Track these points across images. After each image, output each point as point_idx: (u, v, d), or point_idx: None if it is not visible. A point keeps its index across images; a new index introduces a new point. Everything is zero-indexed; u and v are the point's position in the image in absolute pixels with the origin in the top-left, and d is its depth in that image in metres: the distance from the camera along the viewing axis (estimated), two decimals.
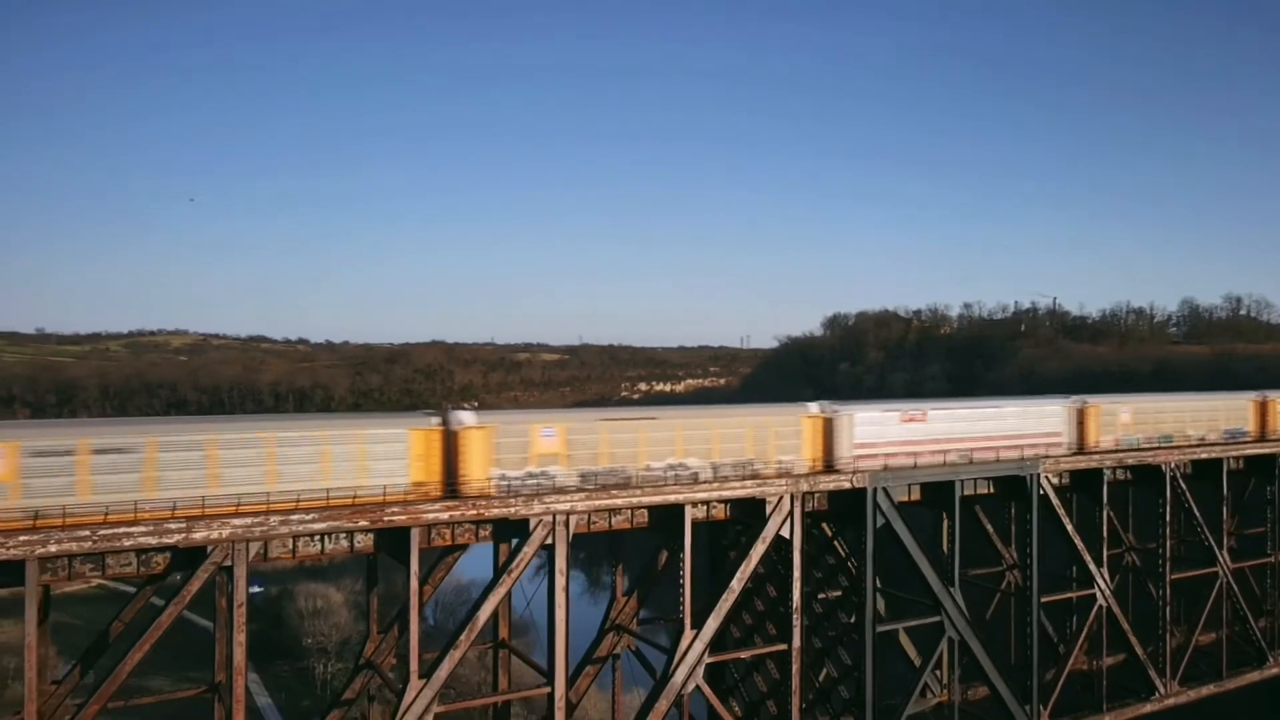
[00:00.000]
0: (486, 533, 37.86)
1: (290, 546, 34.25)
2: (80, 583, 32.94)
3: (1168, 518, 55.89)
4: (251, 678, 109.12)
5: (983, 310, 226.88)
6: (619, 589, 46.05)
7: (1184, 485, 56.64)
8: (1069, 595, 53.85)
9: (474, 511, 36.10)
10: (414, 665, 35.27)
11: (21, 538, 28.90)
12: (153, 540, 30.77)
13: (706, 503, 41.83)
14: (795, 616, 43.22)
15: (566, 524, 37.71)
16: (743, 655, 45.93)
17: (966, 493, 50.00)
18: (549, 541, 37.43)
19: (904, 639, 51.51)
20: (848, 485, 44.59)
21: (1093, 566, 52.77)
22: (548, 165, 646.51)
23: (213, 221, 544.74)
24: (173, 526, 30.98)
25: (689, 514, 40.55)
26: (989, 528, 56.40)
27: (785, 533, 42.88)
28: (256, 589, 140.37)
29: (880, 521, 45.26)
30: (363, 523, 34.17)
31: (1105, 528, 53.54)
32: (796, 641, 43.18)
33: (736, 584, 42.03)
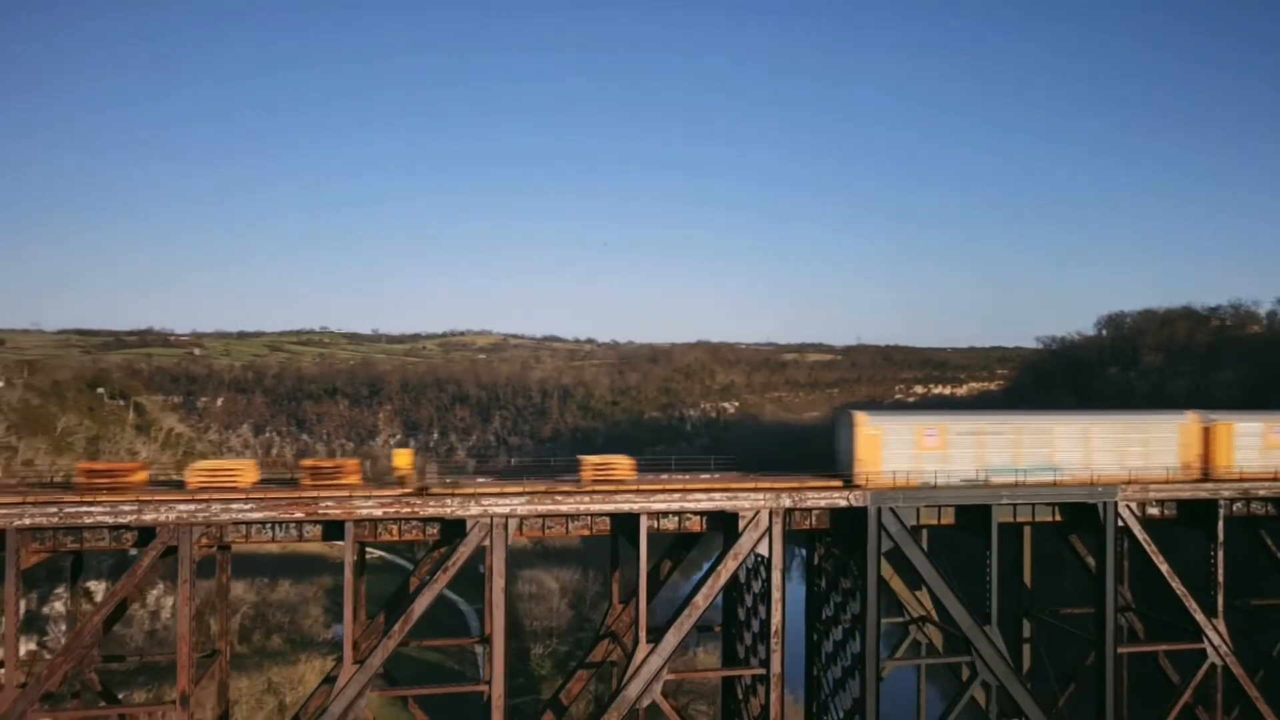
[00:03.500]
0: (434, 531, 39.27)
1: (244, 533, 37.86)
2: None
3: None
4: (480, 651, 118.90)
5: None
6: (615, 596, 45.55)
7: None
8: (1160, 647, 45.20)
9: (408, 509, 37.74)
10: (348, 653, 37.63)
11: (3, 510, 34.72)
12: (109, 519, 35.58)
13: (668, 513, 40.26)
14: (774, 640, 40.35)
15: (505, 527, 38.21)
16: (710, 674, 43.67)
17: (1021, 519, 43.89)
18: (486, 544, 38.16)
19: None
20: (843, 503, 40.92)
21: (1200, 616, 43.88)
22: (822, 165, 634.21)
23: (515, 227, 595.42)
24: (126, 508, 35.60)
25: (644, 524, 39.37)
26: (1090, 562, 48.66)
27: (763, 550, 40.22)
28: None
29: (887, 545, 41.04)
30: (298, 514, 37.01)
31: (1221, 571, 44.29)
32: (776, 667, 40.31)
33: (702, 600, 40.15)
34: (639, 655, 39.52)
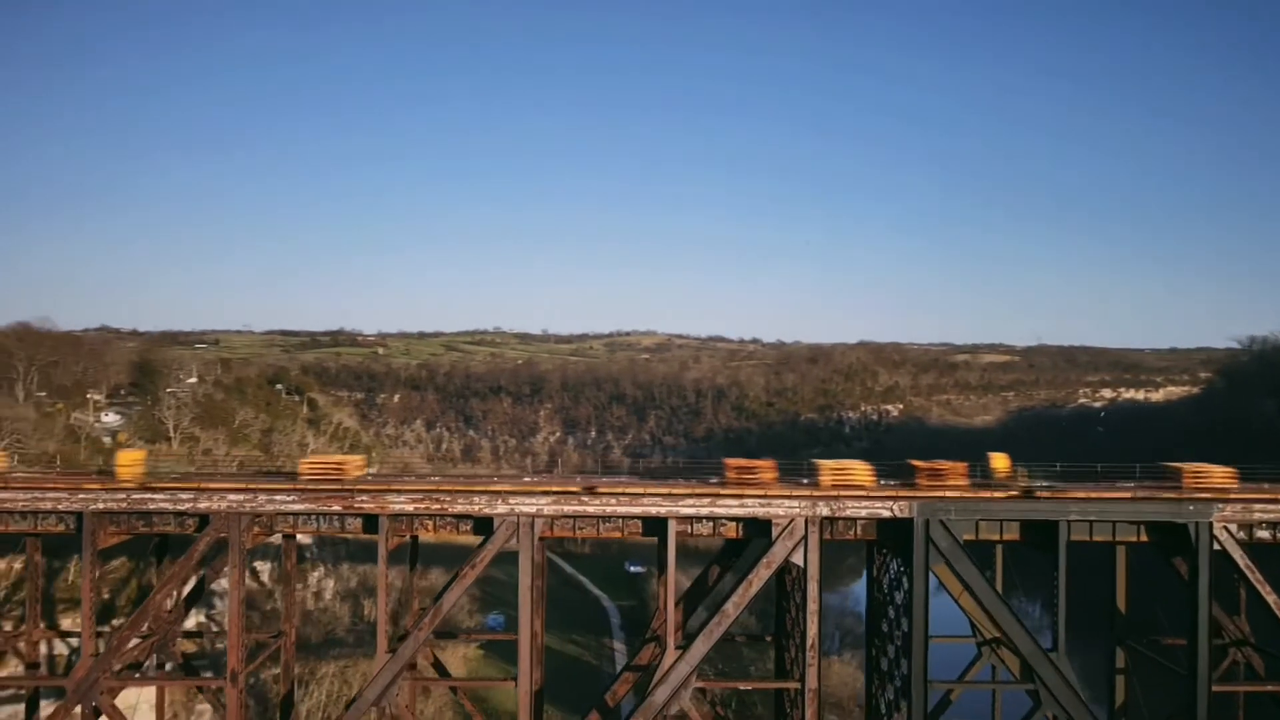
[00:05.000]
0: (468, 528, 40.11)
1: (292, 523, 40.03)
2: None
3: None
4: (618, 648, 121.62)
5: None
6: (663, 600, 44.89)
7: None
8: (1264, 687, 39.86)
9: (438, 506, 38.78)
10: (382, 644, 39.05)
11: (81, 495, 38.40)
12: (169, 506, 38.60)
13: (699, 518, 39.27)
14: (810, 654, 38.68)
15: (532, 526, 38.55)
16: (740, 685, 42.18)
17: (1098, 538, 39.98)
18: (512, 542, 38.64)
19: None
20: (887, 514, 38.68)
21: None
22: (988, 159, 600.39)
23: (678, 226, 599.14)
24: (184, 496, 38.54)
25: (672, 528, 38.75)
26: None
27: (798, 559, 38.63)
28: (640, 569, 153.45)
29: (936, 560, 38.46)
30: (336, 507, 38.79)
31: None
32: (812, 682, 38.60)
33: (733, 609, 38.98)
34: (666, 661, 38.91)
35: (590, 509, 38.82)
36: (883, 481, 40.85)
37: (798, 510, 38.44)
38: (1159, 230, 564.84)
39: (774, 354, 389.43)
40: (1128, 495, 39.43)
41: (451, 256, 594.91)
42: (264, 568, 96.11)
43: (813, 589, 38.61)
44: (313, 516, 39.72)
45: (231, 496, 38.45)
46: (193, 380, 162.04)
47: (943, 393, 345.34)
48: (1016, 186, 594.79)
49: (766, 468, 39.88)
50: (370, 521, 39.56)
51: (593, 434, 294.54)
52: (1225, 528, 38.47)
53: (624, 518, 39.49)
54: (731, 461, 40.65)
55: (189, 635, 48.02)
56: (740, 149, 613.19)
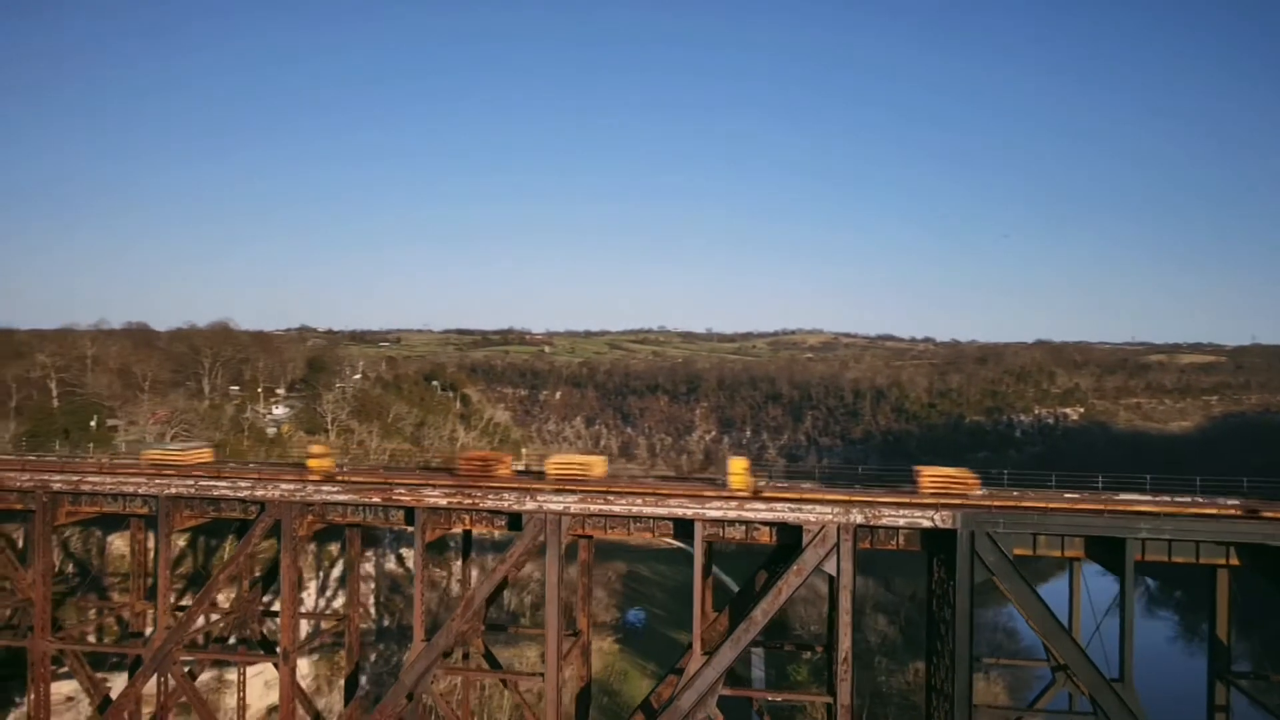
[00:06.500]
0: (502, 524, 40.68)
1: (341, 513, 41.89)
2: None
3: None
4: (756, 652, 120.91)
5: None
6: (709, 604, 43.85)
7: None
8: None
9: (470, 501, 39.54)
10: (418, 634, 40.25)
11: (157, 480, 41.77)
12: (230, 493, 41.32)
13: (728, 521, 38.07)
14: (842, 667, 36.72)
15: (559, 524, 38.62)
16: (767, 695, 40.33)
17: (1178, 559, 35.80)
18: (541, 539, 38.85)
19: None
20: (927, 524, 36.16)
21: None
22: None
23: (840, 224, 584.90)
24: (243, 484, 41.16)
25: (699, 531, 37.80)
26: None
27: (830, 568, 36.77)
28: None
29: (980, 576, 35.63)
30: (376, 499, 40.30)
31: None
32: (844, 697, 36.65)
33: (761, 616, 37.60)
34: (693, 667, 38.03)
35: (616, 508, 38.44)
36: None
37: (830, 517, 36.56)
38: None
39: (944, 353, 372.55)
40: (1212, 511, 35.07)
41: (619, 255, 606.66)
42: (409, 554, 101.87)
43: (845, 599, 36.64)
44: (357, 507, 41.46)
45: (284, 486, 40.71)
46: (357, 376, 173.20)
47: (1131, 396, 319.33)
48: (1222, 176, 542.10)
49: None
50: (410, 514, 40.84)
51: (748, 433, 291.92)
52: None
53: (652, 518, 38.85)
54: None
55: (267, 614, 51.26)
56: (936, 146, 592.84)
